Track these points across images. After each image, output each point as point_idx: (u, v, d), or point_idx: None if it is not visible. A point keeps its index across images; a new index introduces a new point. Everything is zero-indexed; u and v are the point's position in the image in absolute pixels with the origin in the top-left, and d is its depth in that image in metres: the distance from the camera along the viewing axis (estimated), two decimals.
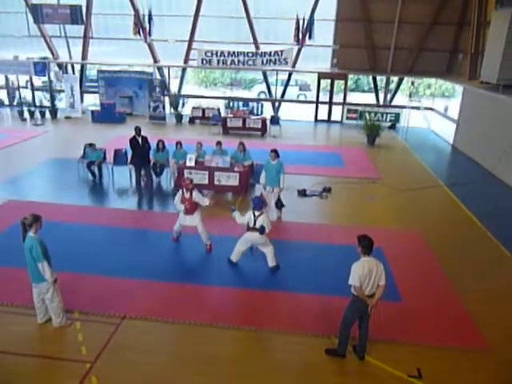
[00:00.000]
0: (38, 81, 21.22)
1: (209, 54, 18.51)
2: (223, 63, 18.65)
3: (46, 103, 19.51)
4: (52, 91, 19.13)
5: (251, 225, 6.79)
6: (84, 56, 20.75)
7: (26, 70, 18.42)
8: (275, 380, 4.96)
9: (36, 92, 19.91)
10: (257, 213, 6.78)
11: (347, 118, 19.57)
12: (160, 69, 20.47)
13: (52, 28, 20.01)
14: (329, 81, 19.83)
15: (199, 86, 31.51)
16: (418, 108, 19.35)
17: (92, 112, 18.53)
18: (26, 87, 20.80)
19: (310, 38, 18.35)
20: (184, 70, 20.99)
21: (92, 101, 21.12)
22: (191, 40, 19.71)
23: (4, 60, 18.82)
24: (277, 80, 20.61)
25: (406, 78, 20.26)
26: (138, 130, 10.57)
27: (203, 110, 18.64)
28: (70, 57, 20.44)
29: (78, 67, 21.55)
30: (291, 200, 10.16)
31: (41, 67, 18.62)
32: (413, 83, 19.98)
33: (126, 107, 19.52)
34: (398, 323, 5.90)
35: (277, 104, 20.78)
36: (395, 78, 20.27)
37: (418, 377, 5.01)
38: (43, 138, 15.59)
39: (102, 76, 19.74)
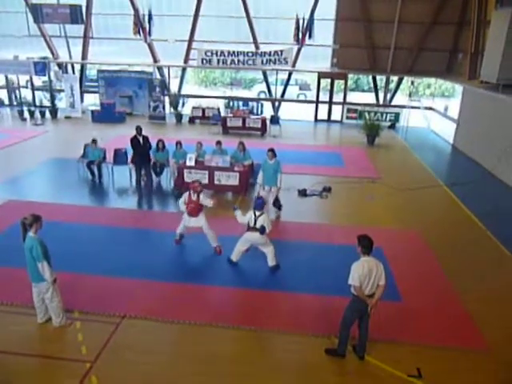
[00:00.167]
0: (38, 80, 21.25)
1: (209, 54, 18.51)
2: (223, 63, 18.66)
3: (46, 103, 19.50)
4: (52, 91, 19.15)
5: (252, 224, 6.79)
6: (84, 56, 20.75)
7: (26, 69, 18.44)
8: (275, 380, 4.96)
9: (36, 92, 19.91)
10: (257, 213, 6.79)
11: (347, 118, 19.56)
12: (160, 68, 20.47)
13: (52, 28, 20.01)
14: (329, 80, 19.83)
15: (199, 86, 31.49)
16: (417, 108, 19.35)
17: (92, 112, 18.53)
18: (26, 87, 20.83)
19: (309, 37, 18.36)
20: (184, 69, 20.99)
21: (92, 100, 21.12)
22: (191, 40, 19.70)
23: (4, 60, 18.82)
24: (277, 80, 20.61)
25: (405, 78, 20.26)
26: (138, 129, 10.61)
27: (203, 110, 18.65)
28: (70, 56, 20.43)
29: (77, 67, 21.55)
30: (291, 200, 10.16)
31: (41, 67, 18.63)
32: (412, 83, 19.98)
33: (126, 107, 19.51)
34: (397, 323, 5.90)
35: (277, 104, 20.79)
36: (395, 78, 20.27)
37: (417, 377, 5.01)
38: (43, 137, 15.59)
39: (101, 76, 19.74)
